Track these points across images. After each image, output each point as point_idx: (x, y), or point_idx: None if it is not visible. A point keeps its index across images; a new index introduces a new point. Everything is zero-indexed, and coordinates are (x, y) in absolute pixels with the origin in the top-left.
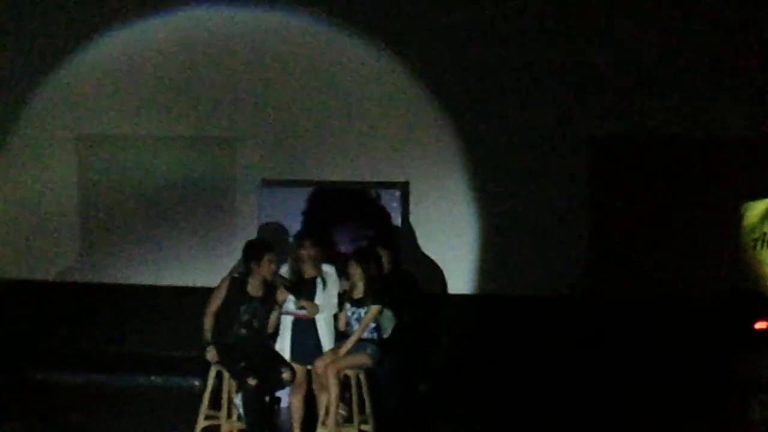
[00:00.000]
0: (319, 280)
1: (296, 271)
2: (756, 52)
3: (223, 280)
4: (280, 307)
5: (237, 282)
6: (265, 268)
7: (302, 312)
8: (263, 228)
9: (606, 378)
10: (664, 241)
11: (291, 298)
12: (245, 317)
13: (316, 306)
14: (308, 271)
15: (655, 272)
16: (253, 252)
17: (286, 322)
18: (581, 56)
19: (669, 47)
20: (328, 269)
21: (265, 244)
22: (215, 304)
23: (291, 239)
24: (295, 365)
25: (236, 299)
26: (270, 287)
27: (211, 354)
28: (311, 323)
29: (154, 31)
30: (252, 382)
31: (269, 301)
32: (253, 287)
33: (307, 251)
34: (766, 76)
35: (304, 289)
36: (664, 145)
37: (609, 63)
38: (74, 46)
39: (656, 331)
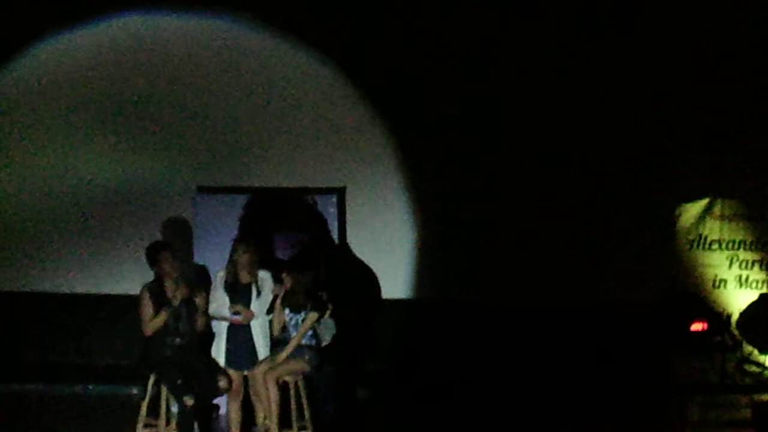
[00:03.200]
0: (254, 286)
1: (233, 277)
2: None
3: (141, 292)
4: (193, 304)
5: (154, 290)
6: (166, 268)
7: (237, 317)
8: (199, 235)
9: (544, 382)
10: (599, 246)
11: (226, 302)
12: (171, 323)
13: (251, 311)
14: (244, 277)
15: (586, 277)
16: (150, 256)
17: (221, 327)
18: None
19: None
20: (263, 275)
21: (160, 244)
22: (150, 316)
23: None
24: (230, 371)
25: (158, 308)
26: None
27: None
28: (246, 329)
29: (85, 39)
30: (189, 401)
31: (190, 301)
32: (170, 291)
33: (241, 257)
34: None
35: (240, 294)
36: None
37: None
38: (5, 56)
39: (592, 335)
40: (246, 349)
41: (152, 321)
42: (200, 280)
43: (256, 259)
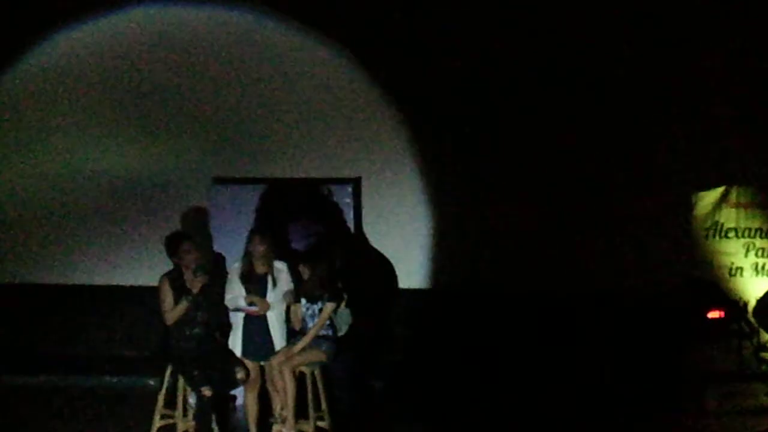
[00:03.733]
0: (269, 277)
1: (249, 268)
2: None
3: (161, 281)
4: (211, 293)
5: (173, 280)
6: (186, 259)
7: (252, 308)
8: (214, 225)
9: (560, 371)
10: (615, 234)
11: (242, 293)
12: (191, 312)
13: (266, 302)
14: (259, 268)
15: (606, 265)
16: (170, 246)
17: (237, 318)
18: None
19: None
20: (279, 266)
21: (179, 235)
22: (170, 305)
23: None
24: (246, 362)
25: (178, 298)
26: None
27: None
28: (262, 319)
29: (100, 30)
30: (207, 392)
31: (208, 290)
32: (189, 281)
33: (257, 248)
34: None
35: (255, 285)
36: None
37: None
38: (22, 48)
39: (610, 323)
40: (262, 339)
41: (173, 310)
42: (218, 270)
43: (271, 250)
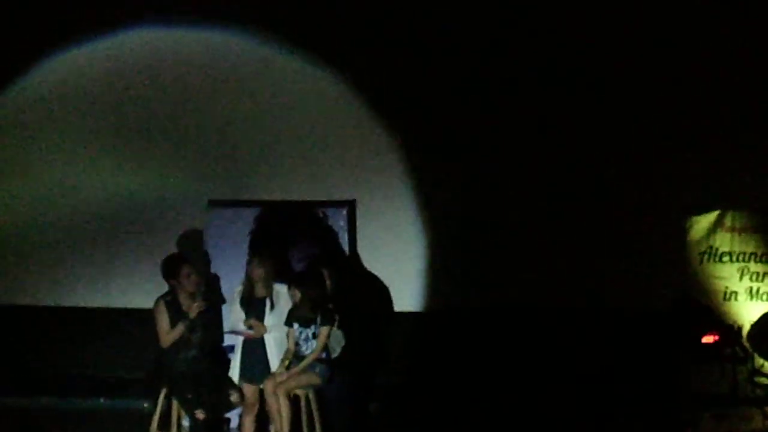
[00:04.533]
0: (268, 300)
1: (249, 291)
2: None
3: (157, 305)
4: (208, 317)
5: (169, 302)
6: (185, 282)
7: (248, 332)
8: (209, 248)
9: (556, 389)
10: (611, 253)
11: (241, 317)
12: (186, 336)
13: (263, 326)
14: (259, 291)
15: (598, 284)
16: (169, 269)
17: (237, 341)
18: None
19: None
20: (279, 288)
21: (179, 258)
22: (166, 328)
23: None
24: (245, 385)
25: (174, 320)
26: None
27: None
28: (260, 342)
29: (96, 52)
30: (200, 415)
31: (205, 314)
32: (186, 304)
33: (255, 271)
34: None
35: (255, 308)
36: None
37: None
38: (19, 69)
39: (603, 343)
40: (260, 362)
41: (169, 333)
42: (214, 293)
43: (271, 273)
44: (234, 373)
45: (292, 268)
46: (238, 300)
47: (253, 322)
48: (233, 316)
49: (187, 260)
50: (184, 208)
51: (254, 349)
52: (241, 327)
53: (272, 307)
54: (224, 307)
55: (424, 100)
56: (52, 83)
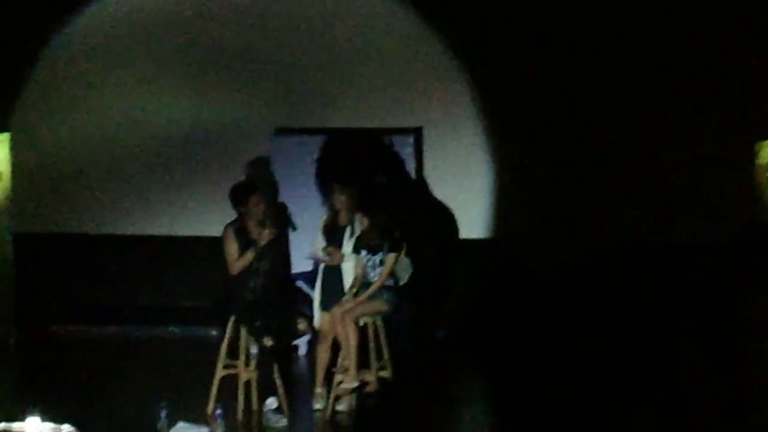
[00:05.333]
0: (348, 228)
1: (331, 220)
2: None
3: (225, 231)
4: (277, 245)
5: (237, 230)
6: (254, 211)
7: (325, 258)
8: (276, 175)
9: (621, 326)
10: (677, 186)
11: (322, 245)
12: (254, 264)
13: (338, 254)
14: (342, 219)
15: (665, 217)
16: (238, 196)
17: (318, 270)
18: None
19: None
20: (360, 217)
21: (249, 185)
22: (235, 255)
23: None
24: (323, 313)
25: (243, 248)
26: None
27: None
28: (337, 271)
29: None
30: (267, 343)
31: (274, 242)
32: (254, 233)
33: (337, 198)
34: None
35: (336, 237)
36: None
37: None
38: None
39: (672, 277)
40: (336, 290)
41: (239, 260)
42: (283, 221)
43: (353, 201)
44: (315, 301)
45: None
46: (320, 228)
47: (330, 249)
48: (315, 243)
49: (257, 188)
50: (250, 135)
51: (331, 277)
52: (320, 254)
53: (351, 235)
54: (294, 235)
55: (493, 24)
56: (125, 12)
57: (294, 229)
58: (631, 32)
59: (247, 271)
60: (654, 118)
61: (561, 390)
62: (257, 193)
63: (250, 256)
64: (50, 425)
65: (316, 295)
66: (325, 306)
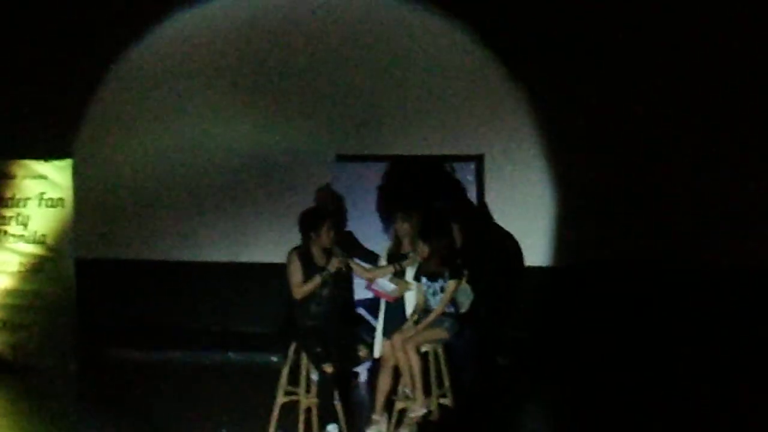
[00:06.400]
0: (411, 255)
1: (396, 248)
2: None
3: (290, 256)
4: (342, 273)
5: (303, 255)
6: (324, 238)
7: (387, 295)
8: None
9: (685, 346)
10: (743, 209)
11: (386, 274)
12: (318, 290)
13: (407, 283)
14: (405, 247)
15: (729, 240)
16: (311, 222)
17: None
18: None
19: None
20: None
21: (321, 212)
22: (300, 281)
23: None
24: (383, 341)
25: (307, 273)
26: (331, 254)
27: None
28: (400, 298)
29: (224, 9)
30: (328, 369)
31: (339, 270)
32: (318, 258)
33: (401, 226)
34: None
35: (382, 268)
36: None
37: None
38: (150, 25)
39: (735, 299)
40: (399, 318)
41: (304, 285)
42: (352, 249)
43: (417, 229)
44: (378, 329)
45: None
46: (386, 257)
47: (396, 280)
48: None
49: (328, 216)
50: (312, 162)
51: (394, 305)
52: (385, 285)
53: (413, 263)
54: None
55: (557, 54)
56: (187, 37)
57: (362, 257)
58: (691, 55)
59: (309, 298)
60: (719, 142)
61: (624, 414)
62: (329, 220)
63: (317, 280)
64: None
65: (379, 322)
66: (388, 333)
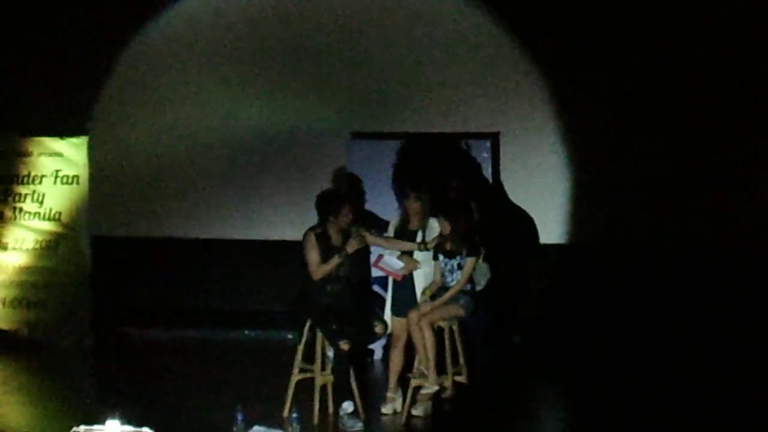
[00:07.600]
0: (420, 233)
1: (404, 224)
2: None
3: (307, 236)
4: (358, 253)
5: (321, 236)
6: (343, 219)
7: (395, 273)
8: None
9: (694, 328)
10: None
11: (393, 251)
12: (334, 269)
13: (415, 261)
14: (414, 224)
15: (744, 223)
16: (330, 204)
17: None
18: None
19: None
20: (432, 223)
21: (341, 195)
22: (317, 261)
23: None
24: (394, 318)
25: (324, 254)
26: (348, 235)
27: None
28: (409, 276)
29: None
30: (344, 346)
31: (357, 250)
32: (335, 239)
33: (412, 204)
34: None
35: (406, 242)
36: None
37: None
38: (160, 5)
39: (747, 282)
40: (408, 296)
41: (322, 266)
42: (364, 221)
43: (427, 207)
44: (387, 306)
45: (439, 200)
46: (392, 233)
47: (404, 257)
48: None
49: (348, 198)
50: (326, 140)
51: (403, 282)
52: (396, 263)
53: (422, 240)
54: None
55: (571, 31)
56: (201, 15)
57: (381, 236)
58: (708, 34)
59: (326, 276)
60: (736, 122)
61: (638, 395)
62: (348, 202)
63: (335, 261)
64: (130, 429)
65: (388, 299)
66: (397, 311)
